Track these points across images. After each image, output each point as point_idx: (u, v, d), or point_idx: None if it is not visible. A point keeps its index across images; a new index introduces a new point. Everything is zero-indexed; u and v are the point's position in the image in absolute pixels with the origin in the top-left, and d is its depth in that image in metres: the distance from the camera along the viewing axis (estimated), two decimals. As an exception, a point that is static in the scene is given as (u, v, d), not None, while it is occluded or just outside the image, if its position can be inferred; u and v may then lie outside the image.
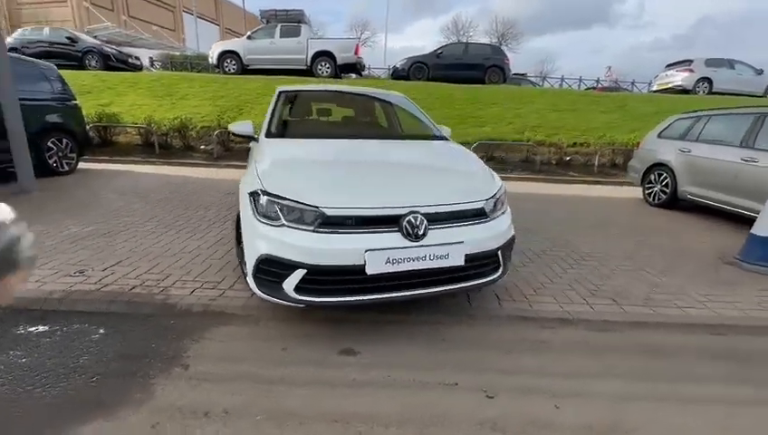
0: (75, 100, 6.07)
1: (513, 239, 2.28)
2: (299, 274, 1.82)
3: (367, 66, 13.53)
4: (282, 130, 3.09)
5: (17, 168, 4.46)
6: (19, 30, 12.72)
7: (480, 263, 2.10)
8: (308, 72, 12.15)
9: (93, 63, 11.89)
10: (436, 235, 1.93)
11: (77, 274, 2.57)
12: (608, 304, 2.51)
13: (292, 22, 12.27)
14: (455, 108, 10.41)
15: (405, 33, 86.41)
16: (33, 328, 2.03)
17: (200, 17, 31.28)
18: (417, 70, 12.58)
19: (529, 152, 8.75)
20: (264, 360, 1.87)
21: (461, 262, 1.95)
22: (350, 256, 1.80)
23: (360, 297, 1.89)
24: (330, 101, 4.15)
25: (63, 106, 5.76)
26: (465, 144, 4.70)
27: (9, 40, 11.98)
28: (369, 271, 1.82)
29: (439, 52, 13.05)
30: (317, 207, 1.84)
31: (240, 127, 2.90)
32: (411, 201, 1.94)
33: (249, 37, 12.01)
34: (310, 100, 4.02)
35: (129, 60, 12.80)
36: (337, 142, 2.80)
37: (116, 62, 12.19)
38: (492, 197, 2.18)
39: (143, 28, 25.97)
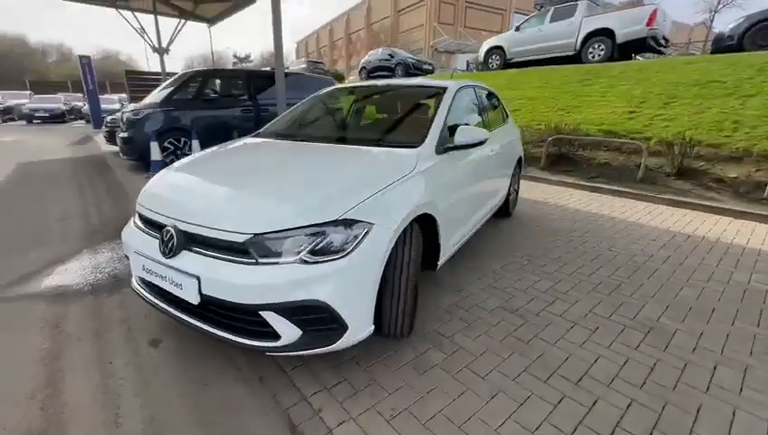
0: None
1: (314, 306, 1.54)
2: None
3: (668, 40, 9.66)
4: (279, 129, 3.12)
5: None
6: (371, 52, 18.11)
7: (232, 314, 1.61)
8: (574, 59, 10.25)
9: (399, 73, 15.27)
10: (188, 258, 1.68)
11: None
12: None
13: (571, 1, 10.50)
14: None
15: None
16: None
17: (519, 12, 31.97)
18: (762, 33, 7.67)
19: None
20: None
21: (195, 300, 1.62)
22: (129, 250, 1.93)
23: (143, 293, 1.97)
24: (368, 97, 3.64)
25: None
26: None
27: (365, 59, 17.34)
28: (132, 271, 1.88)
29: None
30: (140, 204, 2.05)
31: None
32: (178, 213, 1.77)
33: (517, 29, 11.47)
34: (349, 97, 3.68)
35: (424, 66, 15.45)
36: (277, 144, 2.66)
37: (413, 70, 15.08)
38: (269, 232, 1.56)
39: (473, 35, 29.77)
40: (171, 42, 15.12)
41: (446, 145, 2.38)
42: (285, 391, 1.74)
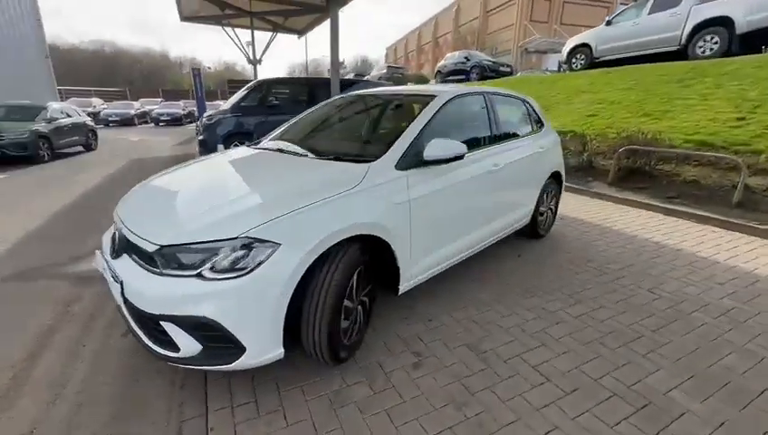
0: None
1: (204, 323, 1.53)
2: None
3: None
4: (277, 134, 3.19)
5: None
6: (447, 55, 17.72)
7: (144, 320, 1.68)
8: (679, 55, 8.66)
9: (473, 76, 14.67)
10: (123, 262, 1.81)
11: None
12: None
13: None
14: None
15: None
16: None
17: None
18: None
19: None
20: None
21: (120, 301, 1.74)
22: (104, 246, 2.14)
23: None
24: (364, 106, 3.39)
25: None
26: None
27: (441, 63, 17.11)
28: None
29: None
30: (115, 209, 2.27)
31: None
32: (125, 219, 1.91)
33: (608, 23, 10.10)
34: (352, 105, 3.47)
35: (501, 68, 14.57)
36: (244, 156, 2.68)
37: (489, 72, 14.33)
38: (173, 245, 1.59)
39: (570, 32, 27.21)
40: (264, 53, 16.74)
41: (417, 160, 2.17)
42: (195, 401, 1.76)
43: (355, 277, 1.88)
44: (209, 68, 50.39)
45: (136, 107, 22.72)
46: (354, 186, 1.90)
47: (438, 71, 16.87)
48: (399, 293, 2.23)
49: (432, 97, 2.55)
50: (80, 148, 11.08)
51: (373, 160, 2.09)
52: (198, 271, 1.55)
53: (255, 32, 16.31)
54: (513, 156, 3.03)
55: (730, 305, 2.58)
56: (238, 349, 1.58)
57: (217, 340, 1.57)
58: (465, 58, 15.26)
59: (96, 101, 24.11)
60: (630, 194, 5.29)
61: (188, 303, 1.53)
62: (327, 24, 15.73)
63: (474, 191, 2.62)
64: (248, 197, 1.85)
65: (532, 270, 3.13)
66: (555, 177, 3.77)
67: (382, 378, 1.90)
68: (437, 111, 2.44)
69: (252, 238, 1.56)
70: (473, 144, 2.67)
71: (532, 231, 3.68)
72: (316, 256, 1.67)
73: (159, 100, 27.75)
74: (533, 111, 3.62)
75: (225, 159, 2.71)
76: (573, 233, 4.03)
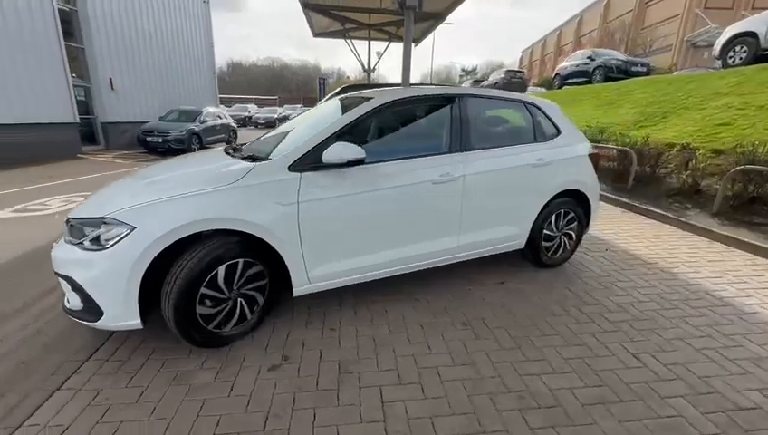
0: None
1: (75, 285, 1.86)
2: None
3: None
4: None
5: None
6: (570, 55, 15.70)
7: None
8: None
9: (597, 78, 12.68)
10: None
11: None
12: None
13: None
14: None
15: None
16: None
17: None
18: None
19: None
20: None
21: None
22: None
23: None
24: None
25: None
26: None
27: (561, 65, 15.39)
28: None
29: None
30: None
31: None
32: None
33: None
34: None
35: (633, 68, 12.15)
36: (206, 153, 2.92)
37: (617, 73, 12.17)
38: (72, 218, 1.97)
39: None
40: (377, 62, 17.83)
41: (316, 163, 2.13)
42: (89, 349, 2.11)
43: (223, 269, 1.97)
44: (348, 77, 56.07)
45: (279, 112, 26.83)
46: (230, 183, 1.99)
47: (557, 73, 15.12)
48: (294, 295, 2.22)
49: (366, 100, 2.43)
50: (223, 143, 13.82)
51: (259, 160, 2.15)
52: (80, 241, 1.88)
53: (373, 42, 17.52)
54: (485, 166, 2.62)
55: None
56: (98, 311, 1.85)
57: (87, 301, 1.88)
58: (589, 58, 13.26)
59: (252, 107, 29.45)
60: (739, 230, 3.90)
61: (69, 265, 1.88)
62: (436, 31, 15.83)
63: (405, 201, 2.38)
64: (146, 184, 2.14)
65: (501, 302, 2.65)
66: (574, 196, 3.09)
67: (232, 370, 1.94)
68: (362, 116, 2.32)
69: (113, 220, 1.82)
70: (412, 151, 2.44)
71: (534, 258, 3.10)
72: (169, 243, 1.83)
73: (299, 105, 32.19)
74: (543, 117, 3.03)
75: (184, 155, 3.08)
76: (604, 269, 3.23)
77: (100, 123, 11.68)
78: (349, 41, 18.01)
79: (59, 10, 9.82)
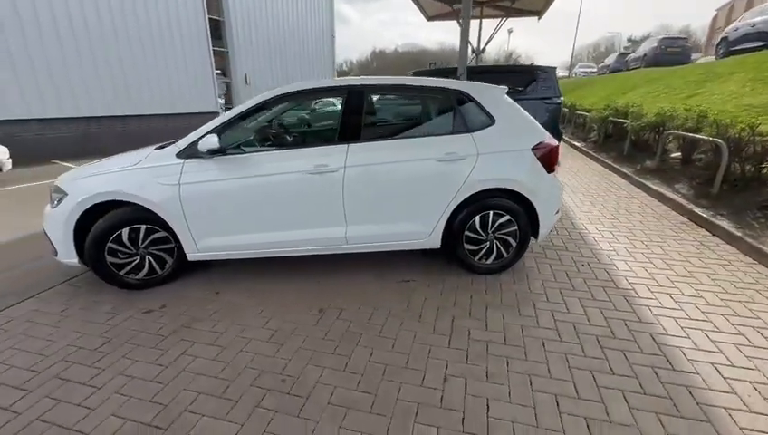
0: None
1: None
2: None
3: None
4: None
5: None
6: (744, 14, 11.56)
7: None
8: None
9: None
10: None
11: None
12: None
13: None
14: None
15: None
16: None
17: None
18: None
19: None
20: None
21: None
22: None
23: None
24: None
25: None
26: None
27: (731, 25, 11.67)
28: None
29: None
30: None
31: None
32: None
33: None
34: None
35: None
36: None
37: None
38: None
39: None
40: (488, 42, 16.70)
41: (196, 152, 2.52)
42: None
43: (126, 231, 2.58)
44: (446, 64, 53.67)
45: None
46: (134, 164, 2.56)
47: (723, 38, 11.45)
48: (189, 259, 2.71)
49: (267, 94, 2.66)
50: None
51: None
52: (53, 202, 2.75)
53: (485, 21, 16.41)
54: (372, 159, 2.56)
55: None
56: (55, 251, 2.68)
57: (50, 243, 2.72)
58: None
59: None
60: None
61: (44, 219, 2.77)
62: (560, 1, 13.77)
63: (276, 189, 2.56)
64: (98, 164, 2.89)
65: (379, 300, 2.60)
66: (512, 196, 2.68)
67: (106, 310, 2.54)
68: (244, 112, 2.58)
69: (57, 187, 2.59)
70: (297, 143, 2.58)
71: (463, 262, 2.85)
72: (87, 207, 2.52)
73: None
74: (473, 106, 2.67)
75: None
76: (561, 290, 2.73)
77: (237, 112, 14.50)
78: (460, 20, 17.38)
79: (209, 19, 12.50)
